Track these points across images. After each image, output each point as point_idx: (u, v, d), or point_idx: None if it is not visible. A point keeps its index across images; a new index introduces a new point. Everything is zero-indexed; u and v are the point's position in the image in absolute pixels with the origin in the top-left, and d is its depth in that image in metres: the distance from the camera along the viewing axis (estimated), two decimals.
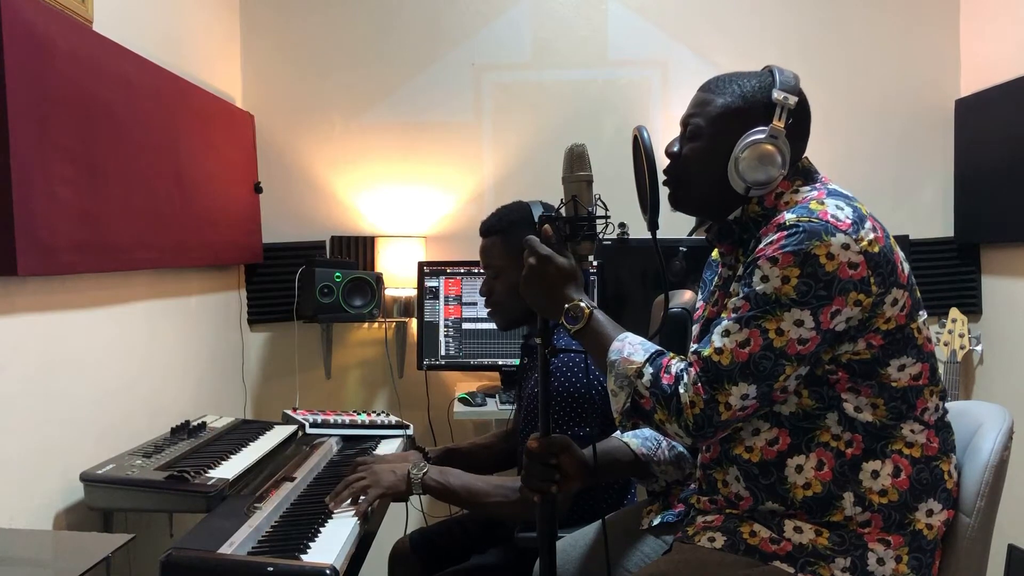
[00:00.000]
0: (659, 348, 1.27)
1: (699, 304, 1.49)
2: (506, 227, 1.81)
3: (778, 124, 1.25)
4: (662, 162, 1.33)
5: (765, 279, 1.18)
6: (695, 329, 1.45)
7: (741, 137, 1.27)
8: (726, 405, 1.18)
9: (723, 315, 1.24)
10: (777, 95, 1.26)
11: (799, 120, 1.29)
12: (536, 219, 1.76)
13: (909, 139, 3.05)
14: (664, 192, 1.36)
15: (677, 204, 1.38)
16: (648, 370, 1.22)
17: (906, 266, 1.25)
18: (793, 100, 1.26)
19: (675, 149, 1.36)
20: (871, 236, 1.19)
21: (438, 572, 1.87)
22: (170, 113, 2.24)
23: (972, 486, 1.26)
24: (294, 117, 3.05)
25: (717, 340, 1.20)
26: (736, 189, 1.28)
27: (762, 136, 1.25)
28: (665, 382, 1.21)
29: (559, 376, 1.70)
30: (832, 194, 1.26)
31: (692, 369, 1.21)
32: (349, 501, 1.64)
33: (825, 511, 1.23)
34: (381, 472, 1.69)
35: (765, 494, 1.26)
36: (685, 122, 1.36)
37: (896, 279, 1.20)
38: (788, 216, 1.21)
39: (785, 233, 1.19)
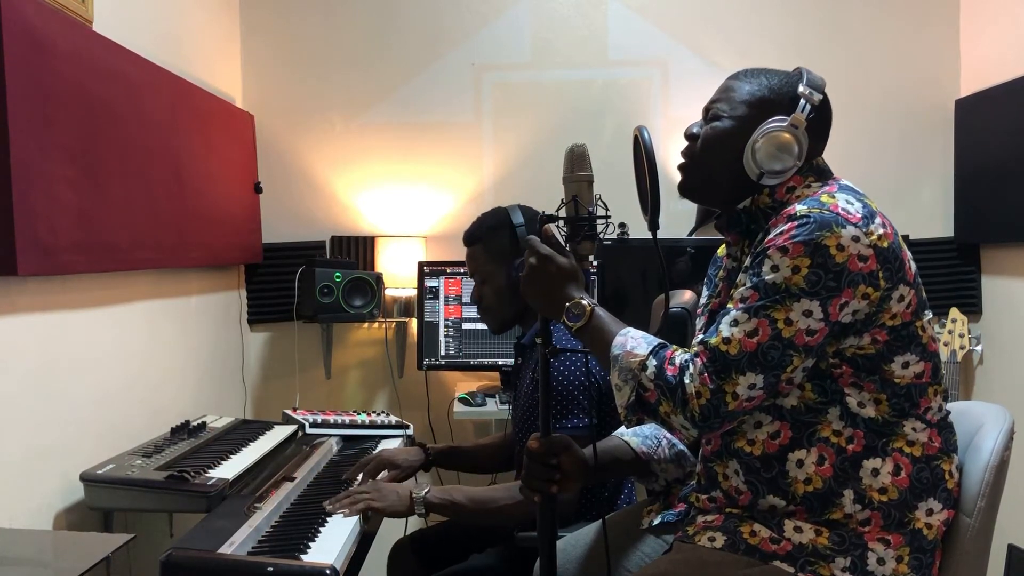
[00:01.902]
0: (662, 341, 1.27)
1: (703, 301, 1.49)
2: (486, 234, 1.86)
3: (799, 116, 1.26)
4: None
5: (775, 268, 1.18)
6: (700, 321, 1.45)
7: (761, 124, 1.27)
8: (733, 395, 1.18)
9: (730, 305, 1.23)
10: (803, 89, 1.27)
11: (820, 119, 1.30)
12: (516, 222, 1.79)
13: (909, 139, 3.05)
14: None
15: (687, 188, 1.38)
16: (652, 362, 1.22)
17: (913, 265, 1.25)
18: (818, 97, 1.27)
19: (695, 131, 1.36)
20: (881, 231, 1.19)
21: (438, 572, 1.87)
22: (170, 113, 2.24)
23: (973, 486, 1.26)
24: (294, 117, 3.05)
25: (725, 329, 1.20)
26: (749, 175, 1.28)
27: (783, 124, 1.26)
28: (669, 373, 1.21)
29: (556, 368, 1.71)
30: (843, 189, 1.27)
31: (698, 359, 1.20)
32: (348, 509, 1.65)
33: (825, 508, 1.22)
34: (386, 490, 1.71)
35: (766, 488, 1.26)
36: (708, 107, 1.36)
37: (904, 276, 1.21)
38: (799, 207, 1.21)
39: (796, 223, 1.19)
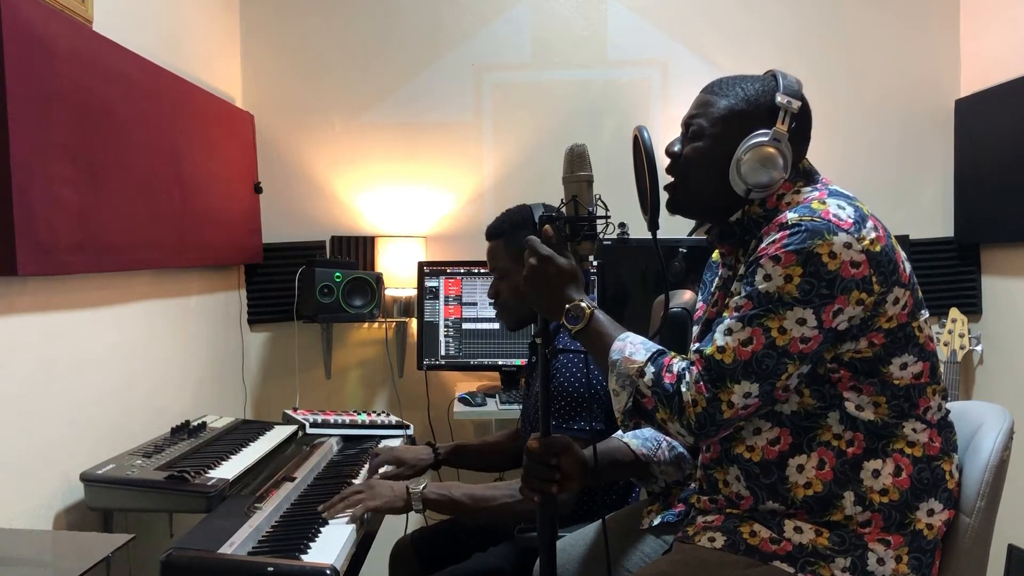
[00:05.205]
0: (660, 347, 1.27)
1: (699, 305, 1.49)
2: (508, 230, 1.84)
3: (781, 127, 1.25)
4: (662, 162, 1.33)
5: (768, 278, 1.18)
6: (695, 330, 1.45)
7: (744, 139, 1.27)
8: (728, 404, 1.18)
9: (725, 314, 1.24)
10: (781, 99, 1.26)
11: (801, 124, 1.30)
12: (537, 220, 1.78)
13: (909, 139, 3.05)
14: (664, 192, 1.36)
15: (676, 207, 1.38)
16: (650, 369, 1.22)
17: (907, 265, 1.25)
18: (796, 104, 1.26)
19: (676, 149, 1.36)
20: (873, 235, 1.19)
21: (439, 571, 1.87)
22: (170, 113, 2.24)
23: (972, 486, 1.26)
24: (294, 117, 3.05)
25: (719, 338, 1.20)
26: (736, 191, 1.28)
27: (765, 139, 1.25)
28: (667, 381, 1.21)
29: (563, 372, 1.71)
30: (833, 194, 1.26)
31: (694, 368, 1.21)
32: (344, 512, 1.64)
33: (825, 510, 1.23)
34: (380, 487, 1.69)
35: (766, 494, 1.26)
36: (687, 123, 1.35)
37: (898, 278, 1.21)
38: (790, 215, 1.21)
39: (788, 232, 1.19)
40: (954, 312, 2.82)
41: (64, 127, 1.71)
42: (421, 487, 1.67)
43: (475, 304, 2.83)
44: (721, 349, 1.19)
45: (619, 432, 1.56)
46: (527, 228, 1.80)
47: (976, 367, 2.96)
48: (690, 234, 2.74)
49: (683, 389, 1.19)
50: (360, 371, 3.10)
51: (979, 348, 2.86)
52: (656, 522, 1.51)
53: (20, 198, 1.55)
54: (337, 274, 2.80)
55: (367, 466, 1.99)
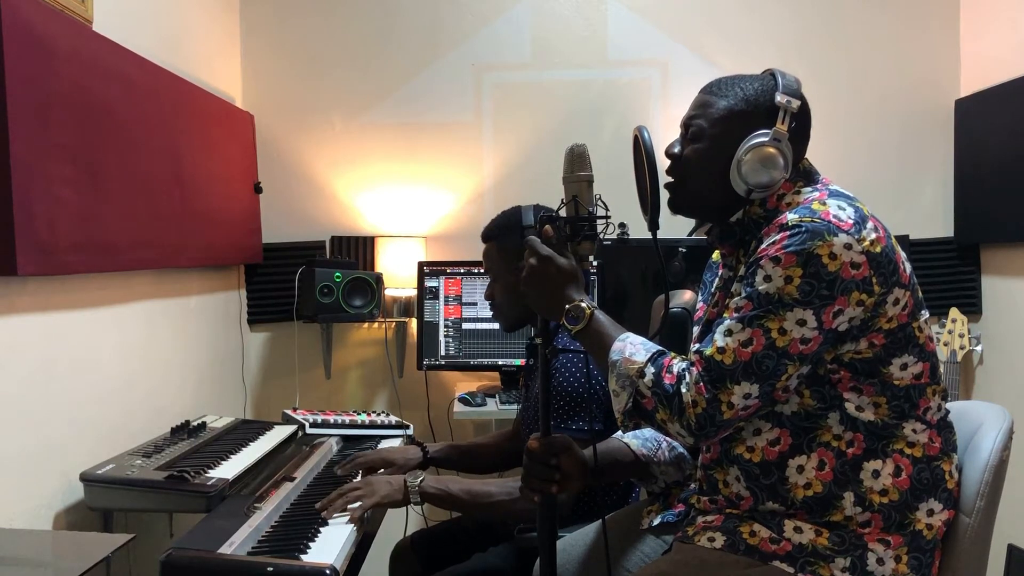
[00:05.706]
0: (661, 348, 1.27)
1: (699, 305, 1.49)
2: (499, 232, 1.86)
3: (781, 127, 1.25)
4: (663, 162, 1.33)
5: (768, 279, 1.18)
6: (696, 330, 1.45)
7: (744, 139, 1.27)
8: (728, 404, 1.18)
9: (725, 315, 1.24)
10: (780, 98, 1.26)
11: (801, 123, 1.30)
12: (526, 223, 1.79)
13: (909, 139, 3.05)
14: (664, 193, 1.37)
15: (677, 207, 1.38)
16: (650, 370, 1.22)
17: (908, 266, 1.25)
18: (796, 104, 1.26)
19: (676, 150, 1.36)
20: (873, 236, 1.19)
21: (439, 572, 1.87)
22: (170, 113, 2.24)
23: (972, 486, 1.26)
24: (294, 117, 3.05)
25: (719, 339, 1.20)
26: (737, 191, 1.28)
27: (765, 139, 1.25)
28: (667, 382, 1.21)
29: (562, 372, 1.71)
30: (834, 195, 1.26)
31: (694, 368, 1.21)
32: (343, 510, 1.63)
33: (825, 511, 1.23)
34: (377, 483, 1.69)
35: (766, 494, 1.26)
36: (686, 123, 1.35)
37: (898, 279, 1.21)
38: (790, 216, 1.21)
39: (788, 233, 1.19)
40: (954, 312, 2.82)
41: (64, 127, 1.71)
42: (419, 480, 1.67)
43: (475, 304, 2.83)
44: (721, 350, 1.19)
45: (619, 432, 1.56)
46: (516, 230, 1.81)
47: (976, 367, 2.96)
48: (690, 234, 2.76)
49: (683, 390, 1.19)
50: (360, 371, 3.10)
51: (979, 348, 2.86)
52: (656, 522, 1.51)
53: (20, 198, 1.55)
54: (337, 274, 2.80)
55: (360, 473, 1.97)
